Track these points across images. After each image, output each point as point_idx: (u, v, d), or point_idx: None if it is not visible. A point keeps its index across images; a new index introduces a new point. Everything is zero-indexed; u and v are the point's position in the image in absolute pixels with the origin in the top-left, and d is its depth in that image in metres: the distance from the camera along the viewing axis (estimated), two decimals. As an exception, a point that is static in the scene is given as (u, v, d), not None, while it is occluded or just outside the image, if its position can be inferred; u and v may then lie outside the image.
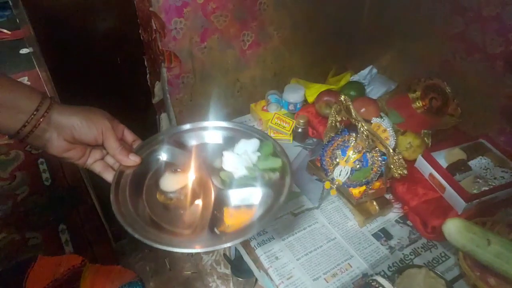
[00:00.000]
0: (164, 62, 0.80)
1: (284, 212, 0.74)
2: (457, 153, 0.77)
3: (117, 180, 0.58)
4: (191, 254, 1.26)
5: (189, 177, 0.61)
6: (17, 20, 2.41)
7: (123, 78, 0.90)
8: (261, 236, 0.70)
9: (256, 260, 0.67)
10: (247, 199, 0.59)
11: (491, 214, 0.70)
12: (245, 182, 0.60)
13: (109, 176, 0.58)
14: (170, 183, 0.61)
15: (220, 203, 0.58)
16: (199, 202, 0.58)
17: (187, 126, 0.68)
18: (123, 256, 1.25)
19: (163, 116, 0.92)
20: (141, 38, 0.81)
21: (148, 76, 0.87)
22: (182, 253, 1.28)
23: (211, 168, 0.62)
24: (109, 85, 0.90)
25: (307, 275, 0.63)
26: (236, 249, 1.09)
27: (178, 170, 0.63)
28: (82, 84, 0.85)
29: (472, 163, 0.76)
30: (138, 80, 0.87)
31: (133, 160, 0.59)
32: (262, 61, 0.96)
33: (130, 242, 1.28)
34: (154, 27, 0.76)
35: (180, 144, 0.66)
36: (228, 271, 1.21)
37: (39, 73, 1.98)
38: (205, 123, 0.69)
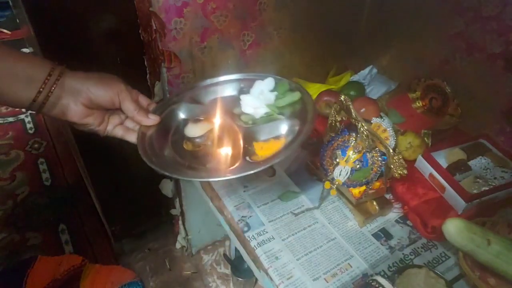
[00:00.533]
0: (164, 62, 0.80)
1: (284, 212, 0.74)
2: (457, 153, 0.77)
3: (141, 141, 0.57)
4: (191, 254, 1.26)
5: (213, 122, 0.61)
6: (17, 20, 2.41)
7: (123, 78, 0.90)
8: (261, 236, 0.70)
9: (256, 260, 0.67)
10: (274, 132, 0.59)
11: (491, 214, 0.70)
12: (268, 119, 0.60)
13: (132, 138, 0.58)
14: (195, 130, 0.61)
15: (249, 140, 0.58)
16: (227, 145, 0.58)
17: (200, 83, 0.68)
18: (123, 256, 1.25)
19: (163, 116, 0.92)
20: (141, 38, 0.81)
21: (148, 76, 0.87)
22: (183, 252, 1.28)
23: (232, 116, 0.62)
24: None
25: (307, 275, 0.63)
26: (236, 249, 1.09)
27: (201, 118, 0.63)
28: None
29: (472, 163, 0.76)
30: (138, 80, 0.87)
31: (152, 119, 0.58)
32: (262, 61, 0.96)
33: (130, 242, 1.28)
34: (154, 27, 0.76)
35: (196, 101, 0.66)
36: (228, 271, 1.21)
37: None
38: (216, 79, 0.69)
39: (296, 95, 0.61)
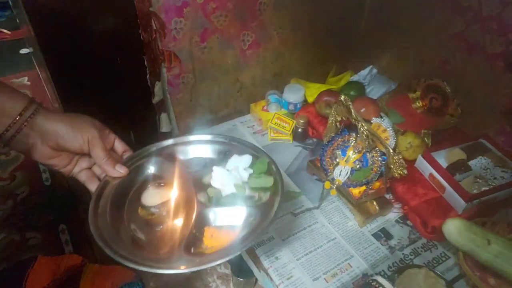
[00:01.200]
0: (164, 62, 0.80)
1: (284, 212, 0.74)
2: (457, 153, 0.77)
3: (100, 191, 0.55)
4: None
5: (173, 192, 0.58)
6: (17, 20, 2.41)
7: (123, 78, 0.90)
8: (261, 236, 0.70)
9: (256, 260, 0.67)
10: (230, 219, 0.56)
11: (491, 214, 0.70)
12: (232, 200, 0.57)
13: (92, 187, 0.57)
14: (152, 197, 0.59)
15: (202, 221, 0.55)
16: (180, 219, 0.56)
17: (179, 139, 0.65)
18: (123, 256, 1.25)
19: (163, 116, 0.92)
20: (141, 38, 0.81)
21: (148, 76, 0.87)
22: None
23: (199, 184, 0.60)
24: (109, 85, 0.90)
25: (307, 275, 0.63)
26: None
27: (162, 184, 0.60)
28: (82, 84, 0.85)
29: (472, 163, 0.76)
30: (138, 80, 0.87)
31: (119, 171, 0.56)
32: (262, 61, 0.96)
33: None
34: (154, 27, 0.76)
35: (172, 157, 0.63)
36: (228, 271, 1.21)
37: (39, 73, 1.97)
38: (198, 136, 0.66)
39: (269, 181, 0.58)
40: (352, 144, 0.72)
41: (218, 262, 0.46)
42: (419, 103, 0.92)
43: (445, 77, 0.86)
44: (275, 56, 0.97)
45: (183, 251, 0.49)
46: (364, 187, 0.70)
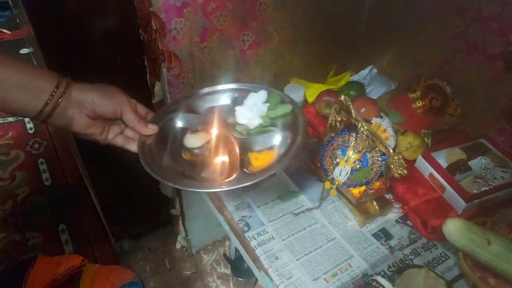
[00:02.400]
0: (164, 62, 0.80)
1: (284, 212, 0.74)
2: (457, 153, 0.77)
3: (142, 149, 0.60)
4: (191, 254, 1.26)
5: (210, 133, 0.64)
6: (17, 20, 2.41)
7: (123, 78, 0.90)
8: (261, 236, 0.70)
9: (256, 260, 0.67)
10: (267, 142, 0.62)
11: (491, 214, 0.70)
12: (262, 130, 0.63)
13: (132, 147, 0.61)
14: (193, 140, 0.64)
15: (244, 150, 0.60)
16: (224, 156, 0.61)
17: (196, 92, 0.71)
18: (123, 256, 1.25)
19: (163, 116, 0.92)
20: (141, 38, 0.81)
21: (148, 76, 0.87)
22: (183, 252, 1.28)
23: (227, 125, 0.65)
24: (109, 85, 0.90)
25: (307, 275, 0.63)
26: (236, 249, 1.09)
27: (199, 129, 0.66)
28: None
29: (472, 163, 0.76)
30: (138, 80, 0.87)
31: (152, 128, 0.61)
32: (262, 61, 0.96)
33: (130, 242, 1.28)
34: (154, 27, 0.76)
35: (192, 110, 0.69)
36: (228, 271, 1.21)
37: (39, 73, 1.97)
38: (212, 88, 0.72)
39: (287, 108, 0.64)
40: (352, 144, 0.72)
41: (273, 171, 0.54)
42: (419, 103, 0.92)
43: (445, 77, 0.86)
44: (275, 56, 0.97)
45: (240, 172, 0.56)
46: (364, 187, 0.70)
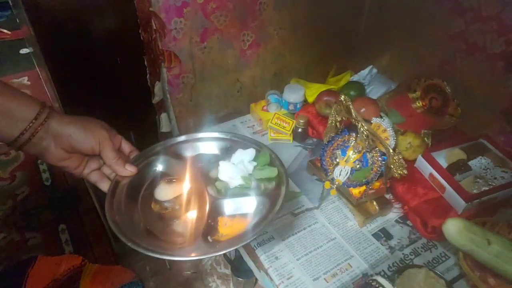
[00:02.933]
0: (164, 62, 0.80)
1: (284, 212, 0.74)
2: (457, 153, 0.77)
3: (113, 190, 0.57)
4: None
5: (184, 186, 0.61)
6: (17, 20, 2.41)
7: (123, 78, 0.90)
8: (261, 236, 0.70)
9: (256, 260, 0.67)
10: (241, 208, 0.59)
11: (491, 214, 0.70)
12: (241, 191, 0.60)
13: (105, 186, 0.58)
14: (165, 192, 0.61)
15: (215, 212, 0.58)
16: (194, 212, 0.58)
17: (183, 138, 0.68)
18: (123, 256, 1.25)
19: (163, 116, 0.92)
20: (141, 38, 0.81)
21: (148, 76, 0.87)
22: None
23: (207, 178, 0.62)
24: (109, 85, 0.90)
25: (307, 275, 0.63)
26: (236, 249, 1.09)
27: (174, 180, 0.63)
28: (82, 84, 0.85)
29: (472, 163, 0.76)
30: (138, 80, 0.87)
31: (129, 170, 0.59)
32: (262, 61, 0.96)
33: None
34: (154, 27, 0.76)
35: (177, 155, 0.66)
36: (228, 271, 1.21)
37: (39, 73, 1.98)
38: (201, 134, 0.69)
39: (273, 172, 0.61)
40: (352, 144, 0.72)
41: (235, 247, 0.50)
42: (419, 103, 0.92)
43: (445, 77, 0.86)
44: (275, 56, 0.97)
45: (201, 240, 0.52)
46: (364, 187, 0.70)
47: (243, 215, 0.58)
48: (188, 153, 0.67)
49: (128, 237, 0.51)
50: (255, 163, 0.63)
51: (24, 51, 2.34)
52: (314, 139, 0.93)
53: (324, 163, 0.75)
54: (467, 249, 0.58)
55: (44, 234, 1.30)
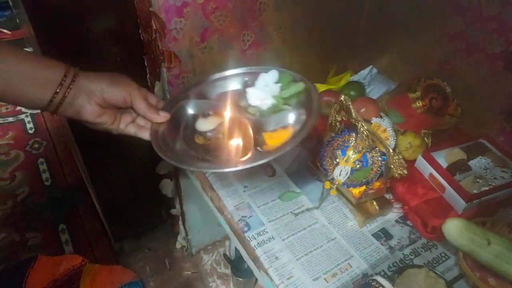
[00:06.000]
0: (164, 62, 0.80)
1: (284, 212, 0.74)
2: (457, 153, 0.77)
3: (155, 137, 0.59)
4: (191, 254, 1.26)
5: (223, 116, 0.63)
6: (17, 20, 2.41)
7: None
8: (261, 236, 0.70)
9: (256, 260, 0.67)
10: (281, 121, 0.61)
11: (491, 214, 0.70)
12: (275, 109, 0.62)
13: (145, 135, 0.60)
14: (205, 124, 0.63)
15: (258, 130, 0.59)
16: (238, 137, 0.60)
17: (205, 79, 0.70)
18: (123, 256, 1.25)
19: (163, 116, 0.92)
20: (141, 38, 0.81)
21: (148, 76, 0.87)
22: (183, 252, 1.28)
23: (239, 109, 0.64)
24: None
25: (307, 275, 0.63)
26: (236, 249, 1.09)
27: (211, 113, 0.65)
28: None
29: (472, 163, 0.76)
30: (138, 80, 0.87)
31: (163, 116, 0.60)
32: (262, 61, 0.96)
33: (130, 242, 1.28)
34: (154, 27, 0.76)
35: (203, 97, 0.68)
36: (228, 271, 1.21)
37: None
38: (220, 74, 0.70)
39: (300, 86, 0.62)
40: (352, 144, 0.72)
41: (288, 148, 0.53)
42: (419, 103, 0.92)
43: (445, 77, 0.86)
44: (275, 56, 0.97)
45: (254, 151, 0.55)
46: (364, 187, 0.70)
47: (285, 127, 0.60)
48: (213, 93, 0.69)
49: (190, 164, 0.54)
50: (280, 84, 0.64)
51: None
52: (314, 139, 0.93)
53: (324, 163, 0.75)
54: (467, 249, 0.58)
55: (44, 234, 1.30)
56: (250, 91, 0.63)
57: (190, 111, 0.66)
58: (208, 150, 0.60)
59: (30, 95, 0.50)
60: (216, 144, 0.61)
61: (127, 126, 0.60)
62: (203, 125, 0.63)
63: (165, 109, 0.63)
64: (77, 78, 0.52)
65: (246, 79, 0.69)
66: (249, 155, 0.55)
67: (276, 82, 0.64)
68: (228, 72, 0.70)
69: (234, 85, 0.70)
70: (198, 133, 0.62)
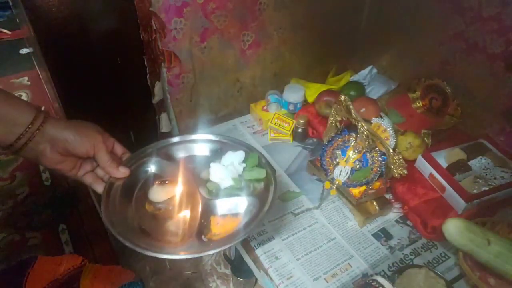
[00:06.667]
0: (164, 62, 0.80)
1: (284, 212, 0.74)
2: (457, 153, 0.77)
3: (107, 192, 0.59)
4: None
5: (177, 188, 0.62)
6: (17, 20, 2.41)
7: (123, 78, 0.90)
8: (261, 236, 0.70)
9: (256, 260, 0.67)
10: (233, 208, 0.60)
11: (491, 214, 0.70)
12: (231, 192, 0.62)
13: (99, 188, 0.59)
14: (158, 194, 0.63)
15: (207, 212, 0.59)
16: (187, 212, 0.60)
17: (175, 139, 0.69)
18: (123, 256, 1.25)
19: (163, 116, 0.92)
20: (141, 38, 0.81)
21: (148, 76, 0.87)
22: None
23: (198, 179, 0.64)
24: (109, 85, 0.90)
25: (307, 275, 0.63)
26: (236, 249, 1.09)
27: (167, 181, 0.65)
28: (82, 84, 0.85)
29: (472, 163, 0.76)
30: (138, 80, 0.87)
31: (122, 172, 0.60)
32: (262, 61, 0.96)
33: (130, 242, 1.27)
34: (154, 27, 0.76)
35: (168, 157, 0.67)
36: (228, 271, 1.21)
37: (39, 73, 1.98)
38: (193, 136, 0.70)
39: (262, 173, 0.63)
40: (352, 144, 0.72)
41: (227, 246, 0.52)
42: (419, 103, 0.92)
43: (445, 77, 0.86)
44: (275, 56, 0.97)
45: (195, 239, 0.54)
46: (364, 187, 0.70)
47: (235, 215, 0.60)
48: (179, 154, 0.69)
49: (125, 237, 0.52)
50: (244, 165, 0.64)
51: (24, 51, 2.34)
52: (314, 139, 0.93)
53: (324, 163, 0.75)
54: (467, 249, 0.58)
55: (44, 234, 1.30)
56: (213, 166, 0.63)
57: (152, 169, 0.65)
58: (155, 219, 0.60)
59: None
60: (165, 215, 0.60)
61: (85, 174, 0.59)
62: (156, 194, 0.62)
63: (128, 163, 0.62)
64: (44, 125, 0.52)
65: (219, 147, 0.69)
66: (187, 243, 0.54)
67: (242, 162, 0.65)
68: (201, 136, 0.70)
69: (203, 150, 0.69)
70: (149, 201, 0.62)
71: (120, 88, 0.92)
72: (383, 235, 0.70)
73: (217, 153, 0.68)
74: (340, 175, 0.71)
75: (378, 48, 1.05)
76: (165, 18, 0.74)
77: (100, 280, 0.93)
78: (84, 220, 1.37)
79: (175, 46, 0.79)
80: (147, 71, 0.86)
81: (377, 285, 0.57)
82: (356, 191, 0.71)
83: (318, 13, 0.96)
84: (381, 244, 0.69)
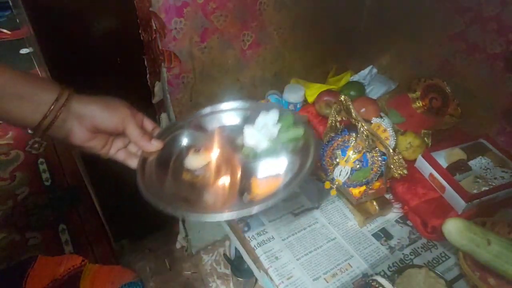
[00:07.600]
0: (164, 62, 0.80)
1: (284, 212, 0.74)
2: (457, 153, 0.77)
3: (142, 166, 0.58)
4: (191, 254, 1.26)
5: (213, 154, 0.61)
6: (17, 20, 2.41)
7: (123, 78, 0.90)
8: (261, 236, 0.70)
9: (256, 260, 0.67)
10: (272, 170, 0.59)
11: (491, 214, 0.70)
12: (269, 154, 0.60)
13: (133, 163, 0.58)
14: (195, 161, 0.61)
15: (247, 175, 0.58)
16: (226, 177, 0.59)
17: (206, 110, 0.68)
18: (123, 256, 1.25)
19: (163, 116, 0.92)
20: (141, 38, 0.81)
21: (148, 76, 0.87)
22: (183, 253, 1.28)
23: (234, 146, 0.63)
24: (109, 85, 0.90)
25: (307, 275, 0.63)
26: (236, 249, 1.09)
27: (201, 149, 0.63)
28: (82, 84, 0.85)
29: (472, 163, 0.76)
30: (138, 80, 0.87)
31: (155, 145, 0.58)
32: (262, 61, 0.96)
33: (130, 242, 1.28)
34: (154, 27, 0.76)
35: (200, 128, 0.66)
36: (228, 271, 1.21)
37: (39, 73, 1.98)
38: (223, 105, 0.68)
39: (299, 132, 0.60)
40: (352, 144, 0.72)
41: (270, 204, 0.49)
42: (419, 103, 0.92)
43: (445, 77, 0.86)
44: (275, 56, 0.97)
45: (237, 201, 0.53)
46: (364, 187, 0.70)
47: (275, 175, 0.58)
48: (211, 125, 0.67)
49: (171, 206, 0.51)
50: (279, 126, 0.62)
51: (24, 51, 2.34)
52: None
53: (324, 163, 0.75)
54: (467, 249, 0.58)
55: (44, 234, 1.30)
56: (247, 130, 0.61)
57: (185, 142, 0.65)
58: (194, 187, 0.58)
59: (20, 115, 0.49)
60: (203, 183, 0.59)
61: (117, 151, 0.58)
62: (192, 162, 0.61)
63: (160, 137, 0.61)
64: (69, 102, 0.51)
65: (247, 114, 0.67)
66: (230, 204, 0.54)
67: (277, 123, 0.62)
68: (228, 105, 0.68)
69: (233, 119, 0.68)
70: (186, 170, 0.61)
71: (120, 88, 0.92)
72: (383, 235, 0.70)
73: (249, 120, 0.66)
74: (340, 175, 0.71)
75: (378, 48, 1.05)
76: (165, 18, 0.74)
77: (100, 280, 0.93)
78: (84, 220, 1.37)
79: (175, 46, 0.79)
80: (147, 71, 0.86)
81: (377, 285, 0.57)
82: (356, 191, 0.71)
83: (318, 13, 0.96)
84: (381, 244, 0.69)
